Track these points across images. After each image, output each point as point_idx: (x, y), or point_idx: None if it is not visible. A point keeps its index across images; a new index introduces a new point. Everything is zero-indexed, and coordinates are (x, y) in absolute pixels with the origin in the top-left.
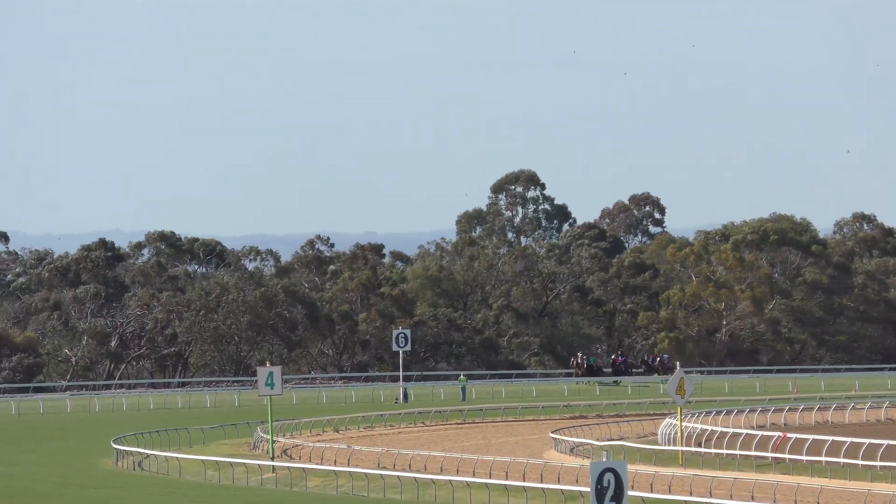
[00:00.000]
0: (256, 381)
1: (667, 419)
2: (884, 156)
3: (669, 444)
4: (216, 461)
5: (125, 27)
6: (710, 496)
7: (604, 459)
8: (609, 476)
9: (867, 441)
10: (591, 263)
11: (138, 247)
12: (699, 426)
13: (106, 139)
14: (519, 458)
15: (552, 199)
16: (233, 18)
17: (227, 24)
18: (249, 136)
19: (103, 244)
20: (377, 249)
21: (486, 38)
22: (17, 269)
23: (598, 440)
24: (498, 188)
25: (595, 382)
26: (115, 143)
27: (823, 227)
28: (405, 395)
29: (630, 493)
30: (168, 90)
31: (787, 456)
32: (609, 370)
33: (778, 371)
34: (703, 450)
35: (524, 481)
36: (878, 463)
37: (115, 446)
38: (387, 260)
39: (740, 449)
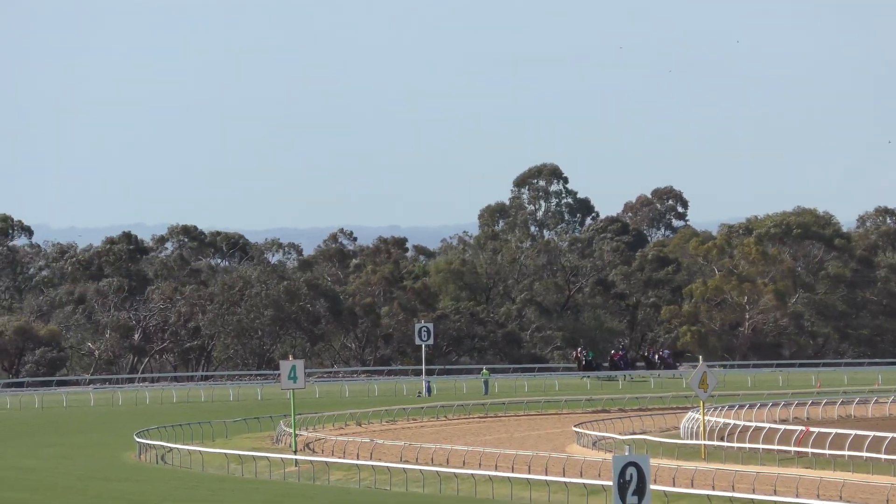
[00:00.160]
0: (279, 374)
1: (689, 413)
2: None
3: (692, 438)
4: (239, 455)
5: (146, 21)
6: (733, 490)
7: (626, 453)
8: (631, 470)
9: (890, 435)
10: (613, 257)
11: (161, 240)
12: (722, 420)
13: (130, 133)
14: (541, 452)
15: (575, 193)
16: (258, 9)
17: (251, 16)
18: (273, 129)
19: (127, 237)
20: (400, 243)
21: (508, 32)
22: (41, 263)
23: (620, 434)
24: (521, 182)
25: (594, 377)
26: (138, 137)
27: (846, 220)
28: (428, 389)
29: (652, 487)
30: (192, 84)
31: (809, 450)
32: (607, 365)
33: (801, 365)
34: (725, 444)
35: (547, 475)
36: None
37: (138, 440)
38: (410, 254)
39: (763, 443)
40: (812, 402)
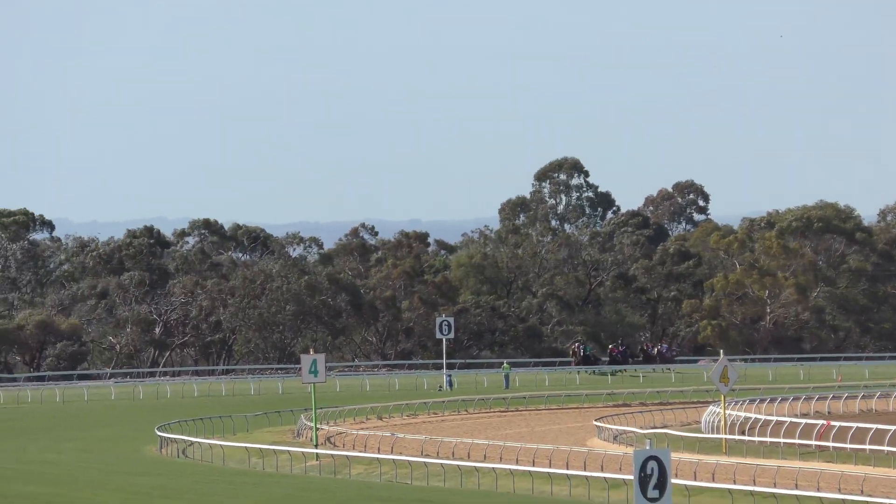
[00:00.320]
0: (300, 368)
1: (710, 407)
2: None
3: (713, 432)
4: (260, 448)
5: (169, 17)
6: (754, 484)
7: (647, 447)
8: (652, 464)
9: None
10: (634, 251)
11: (182, 234)
12: (743, 414)
13: (152, 128)
14: (562, 446)
15: (596, 187)
16: (282, 5)
17: (274, 10)
18: (294, 124)
19: (148, 231)
20: (422, 238)
21: (530, 27)
22: (61, 257)
23: (641, 428)
24: (541, 176)
25: (592, 372)
26: (161, 132)
27: (868, 214)
28: (450, 383)
29: (673, 480)
30: (214, 79)
31: (831, 444)
32: (606, 360)
33: (822, 359)
34: (746, 438)
35: (568, 469)
36: None
37: (159, 433)
38: (431, 248)
39: (784, 437)
40: (833, 396)
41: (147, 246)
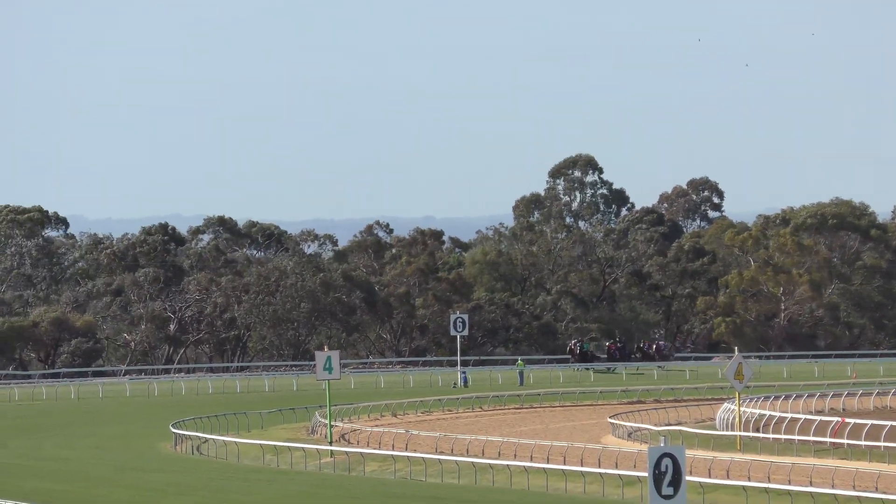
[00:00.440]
0: (315, 365)
1: (725, 404)
2: None
3: (727, 430)
4: (274, 445)
5: (181, 13)
6: (769, 481)
7: (661, 444)
8: (667, 461)
9: None
10: (648, 248)
11: (197, 232)
12: (757, 411)
13: (167, 125)
14: (577, 443)
15: (610, 184)
16: (293, 2)
17: (283, 8)
18: (310, 121)
19: (163, 228)
20: (437, 235)
21: (543, 24)
22: (76, 254)
23: (655, 425)
24: (556, 173)
25: (589, 369)
26: (176, 130)
27: (882, 211)
28: (465, 380)
29: (688, 478)
30: (227, 75)
31: (845, 441)
32: (604, 356)
33: (836, 356)
34: (761, 435)
35: (582, 466)
36: None
37: (173, 430)
38: (446, 246)
39: (798, 434)
40: (848, 393)
41: (161, 243)
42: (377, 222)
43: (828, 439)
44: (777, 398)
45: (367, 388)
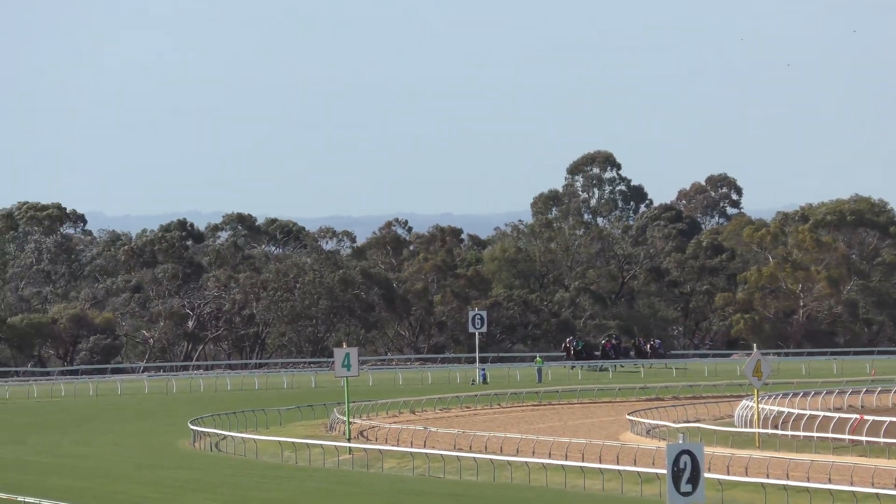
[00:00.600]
0: (333, 362)
1: (743, 401)
2: None
3: (746, 427)
4: (293, 442)
5: (199, 8)
6: (787, 479)
7: (680, 441)
8: (685, 458)
9: None
10: (666, 244)
11: (216, 228)
12: (776, 408)
13: (185, 122)
14: (595, 440)
15: (628, 181)
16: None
17: (303, 5)
18: (328, 117)
19: (181, 225)
20: (456, 233)
21: (561, 19)
22: (94, 251)
23: (674, 422)
24: (574, 169)
25: (584, 367)
26: (194, 126)
27: None
28: (483, 377)
29: (706, 475)
30: (248, 74)
31: (864, 438)
32: (599, 354)
33: (855, 353)
34: (779, 432)
35: (600, 463)
36: None
37: (192, 427)
38: (465, 244)
39: (817, 431)
40: (866, 390)
41: (179, 239)
42: (396, 219)
43: (846, 436)
44: (796, 395)
45: (386, 384)
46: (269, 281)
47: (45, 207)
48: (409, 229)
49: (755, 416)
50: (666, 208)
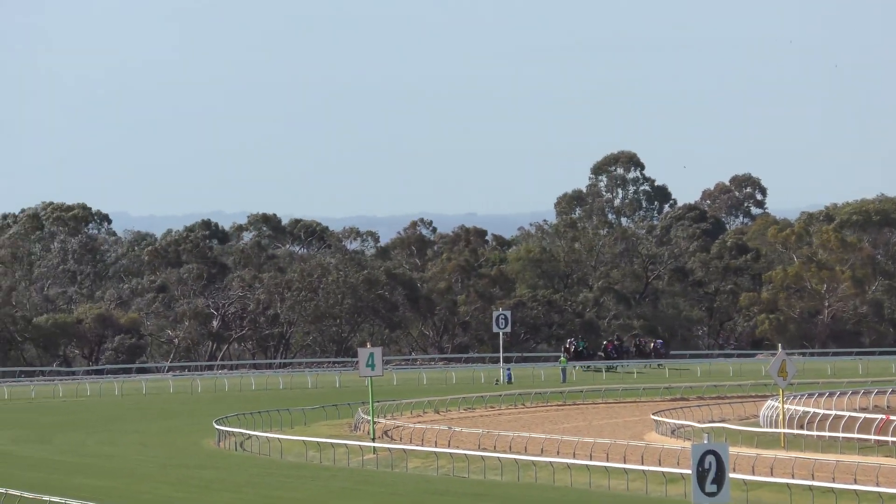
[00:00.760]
0: (357, 361)
1: (768, 401)
2: None
3: (771, 427)
4: (317, 442)
5: (219, 11)
6: (813, 479)
7: (705, 441)
8: (710, 458)
9: None
10: (690, 244)
11: (240, 228)
12: (801, 408)
13: (210, 121)
14: (620, 441)
15: (652, 181)
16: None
17: (325, 8)
18: (352, 117)
19: (206, 225)
20: (481, 234)
21: (585, 19)
22: (119, 251)
23: (699, 422)
24: (598, 169)
25: (587, 367)
26: (218, 126)
27: None
28: (509, 377)
29: (731, 475)
30: (270, 74)
31: (889, 438)
32: (601, 355)
33: (881, 353)
34: (805, 432)
35: (625, 463)
36: None
37: (217, 427)
38: (490, 244)
39: (843, 431)
40: (892, 391)
41: (204, 239)
42: (421, 219)
43: (872, 437)
44: (821, 395)
45: (410, 384)
46: (293, 281)
47: (70, 208)
48: (434, 229)
49: (780, 417)
50: (690, 208)
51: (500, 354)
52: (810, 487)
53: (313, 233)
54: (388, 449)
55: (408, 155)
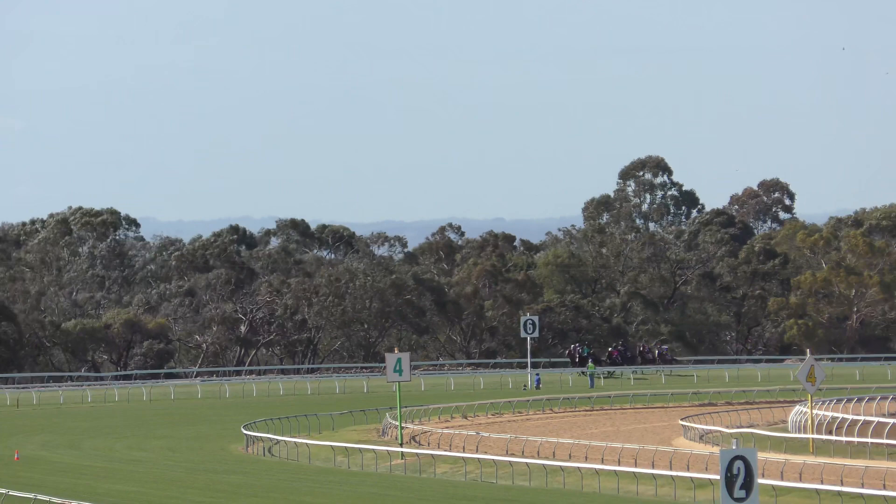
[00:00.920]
0: (385, 367)
1: (797, 407)
2: None
3: (799, 432)
4: (345, 447)
5: (246, 13)
6: (841, 485)
7: (733, 447)
8: (739, 464)
9: None
10: (718, 249)
11: (268, 234)
12: (830, 414)
13: (237, 127)
14: (648, 446)
15: (680, 186)
16: (362, 5)
17: (352, 11)
18: (379, 122)
19: (233, 230)
20: (509, 239)
21: (612, 24)
22: (147, 256)
23: (727, 427)
24: (625, 174)
25: (582, 373)
26: (246, 131)
27: None
28: (538, 382)
29: (760, 480)
30: (298, 77)
31: None
32: (606, 360)
33: None
34: (833, 438)
35: (653, 469)
36: None
37: (245, 432)
38: (518, 249)
39: (872, 437)
40: None
41: (232, 244)
42: (449, 224)
43: None
44: (850, 401)
45: (438, 389)
46: (321, 286)
47: (98, 213)
48: (462, 234)
49: (809, 422)
50: (718, 213)
51: (528, 360)
52: (839, 493)
53: (341, 238)
54: (416, 454)
55: (436, 160)
